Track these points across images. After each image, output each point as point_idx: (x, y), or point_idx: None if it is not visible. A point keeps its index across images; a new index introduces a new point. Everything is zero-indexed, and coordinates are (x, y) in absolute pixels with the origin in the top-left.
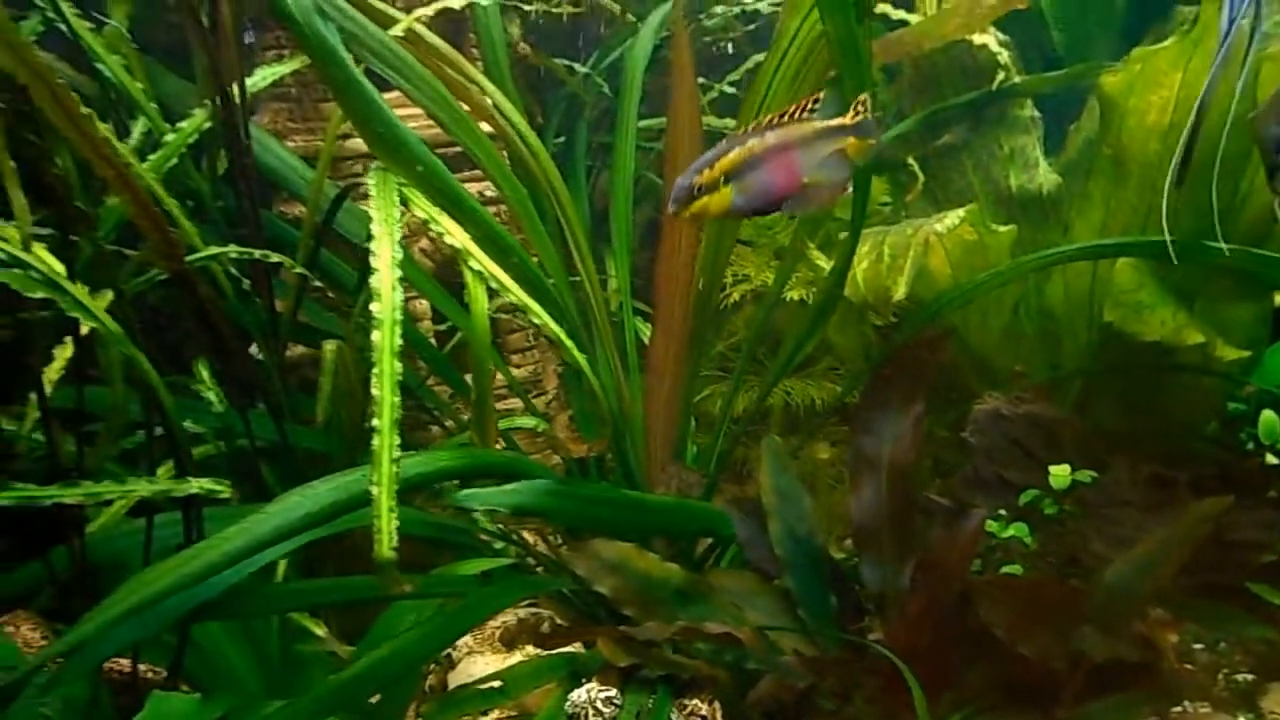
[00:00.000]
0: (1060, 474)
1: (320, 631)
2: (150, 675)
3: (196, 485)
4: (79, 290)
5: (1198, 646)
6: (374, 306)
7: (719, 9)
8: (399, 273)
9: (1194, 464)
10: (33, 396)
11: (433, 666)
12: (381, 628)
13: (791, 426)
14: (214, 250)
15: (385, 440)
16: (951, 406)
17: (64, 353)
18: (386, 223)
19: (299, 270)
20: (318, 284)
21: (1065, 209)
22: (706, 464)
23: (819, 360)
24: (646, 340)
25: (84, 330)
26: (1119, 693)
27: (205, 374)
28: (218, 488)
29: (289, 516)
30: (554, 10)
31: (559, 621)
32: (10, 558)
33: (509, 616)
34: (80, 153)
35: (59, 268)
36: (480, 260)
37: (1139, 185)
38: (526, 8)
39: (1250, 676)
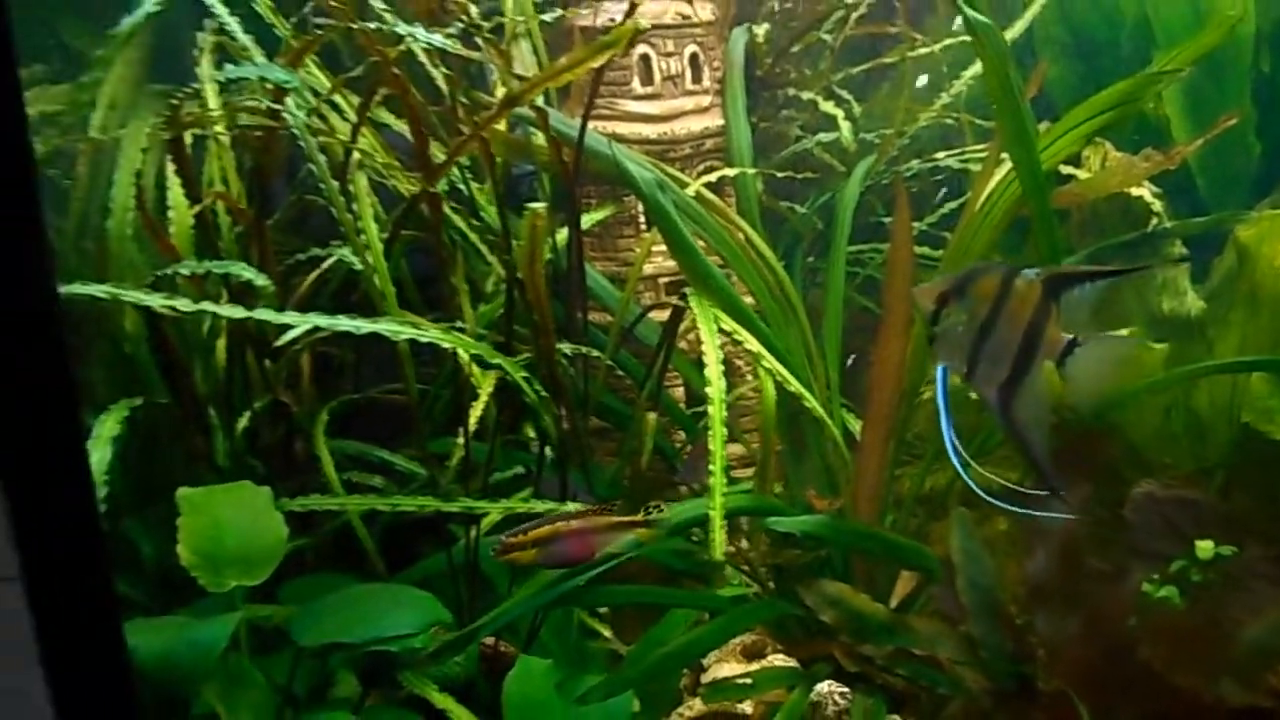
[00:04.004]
0: (1205, 548)
1: (606, 632)
2: (501, 649)
3: (572, 506)
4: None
5: None
6: (709, 389)
7: (914, 163)
8: (721, 368)
9: None
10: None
11: (685, 670)
12: (659, 632)
13: (967, 504)
14: (565, 346)
15: (718, 481)
16: (1112, 490)
17: (476, 410)
18: (710, 334)
19: (608, 362)
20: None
21: (1209, 331)
22: (901, 533)
23: (993, 449)
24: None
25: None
26: None
27: (531, 432)
28: (583, 509)
29: None
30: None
31: (776, 646)
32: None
33: (743, 638)
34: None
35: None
36: (770, 362)
37: (1270, 314)
38: (780, 175)
39: None
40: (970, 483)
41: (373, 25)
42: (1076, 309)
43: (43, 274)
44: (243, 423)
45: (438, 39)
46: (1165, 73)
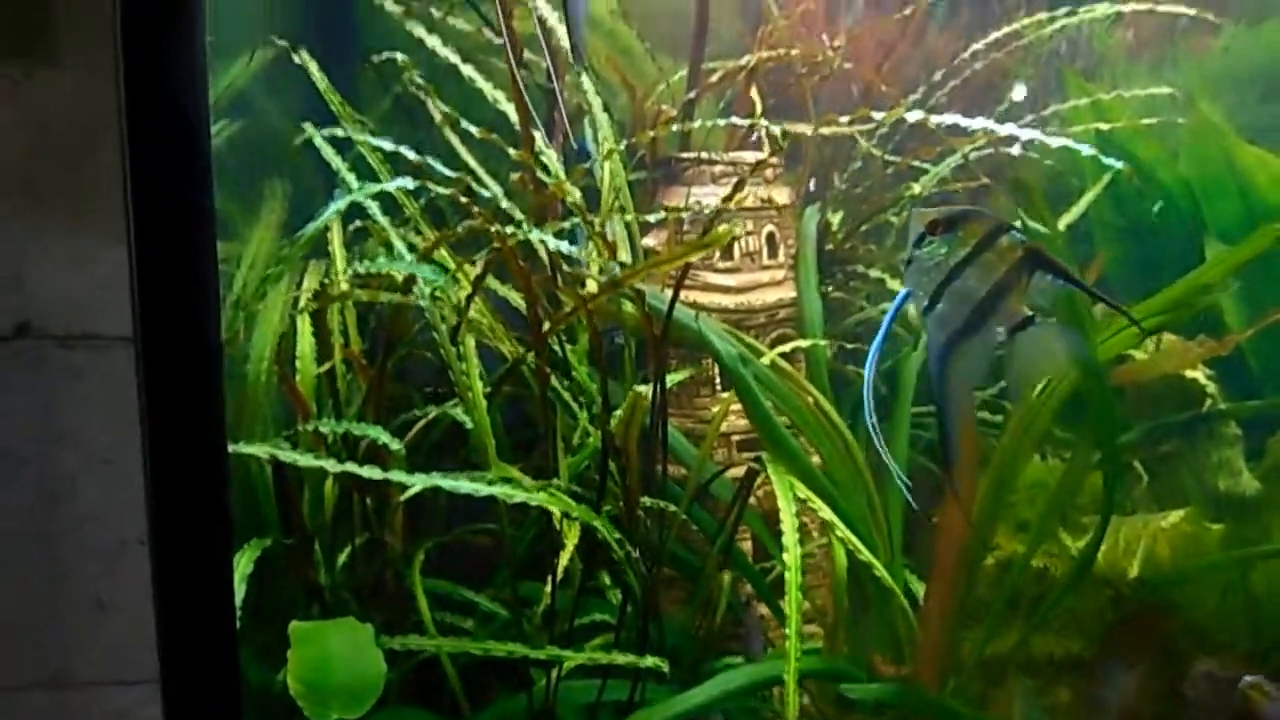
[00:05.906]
0: None
1: None
2: None
3: (651, 661)
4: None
5: None
6: (785, 556)
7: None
8: (798, 535)
9: None
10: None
11: None
12: None
13: (1030, 672)
14: (647, 500)
15: (793, 643)
16: (1170, 666)
17: (563, 559)
18: (787, 499)
19: (683, 516)
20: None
21: (1265, 512)
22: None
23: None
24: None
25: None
26: None
27: (608, 580)
28: (660, 664)
29: (726, 687)
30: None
31: None
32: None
33: None
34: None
35: None
36: (843, 531)
37: None
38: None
39: None
40: (880, 446)
41: (509, 229)
42: (1037, 294)
43: (217, 432)
44: (341, 558)
45: (573, 248)
46: (1216, 285)
